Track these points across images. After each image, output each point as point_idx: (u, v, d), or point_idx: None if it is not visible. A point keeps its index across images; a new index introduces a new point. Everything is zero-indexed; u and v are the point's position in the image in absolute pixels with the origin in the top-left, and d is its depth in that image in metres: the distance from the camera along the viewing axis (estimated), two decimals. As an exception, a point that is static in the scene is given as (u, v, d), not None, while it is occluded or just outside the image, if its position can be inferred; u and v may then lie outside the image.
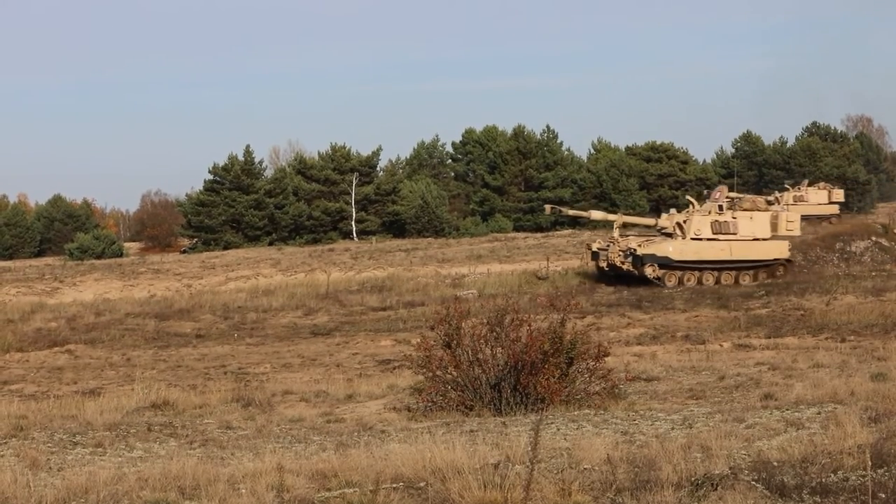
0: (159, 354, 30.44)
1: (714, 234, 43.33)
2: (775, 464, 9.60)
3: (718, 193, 46.63)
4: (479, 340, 15.39)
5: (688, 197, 50.31)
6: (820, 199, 70.70)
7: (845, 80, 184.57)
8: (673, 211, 46.55)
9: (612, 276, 43.79)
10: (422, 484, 9.26)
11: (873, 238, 50.02)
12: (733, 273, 43.01)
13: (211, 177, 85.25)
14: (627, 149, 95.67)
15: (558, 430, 12.48)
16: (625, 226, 47.88)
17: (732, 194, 47.02)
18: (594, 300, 37.72)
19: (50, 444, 12.63)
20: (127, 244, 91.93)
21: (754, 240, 43.59)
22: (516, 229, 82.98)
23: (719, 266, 42.98)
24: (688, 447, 10.50)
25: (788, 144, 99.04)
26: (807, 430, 11.54)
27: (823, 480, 8.90)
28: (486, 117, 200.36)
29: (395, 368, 23.72)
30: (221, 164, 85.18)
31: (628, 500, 8.63)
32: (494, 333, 15.33)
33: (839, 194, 72.62)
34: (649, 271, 42.30)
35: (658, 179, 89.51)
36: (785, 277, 42.92)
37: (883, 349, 21.25)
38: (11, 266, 66.93)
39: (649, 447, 10.71)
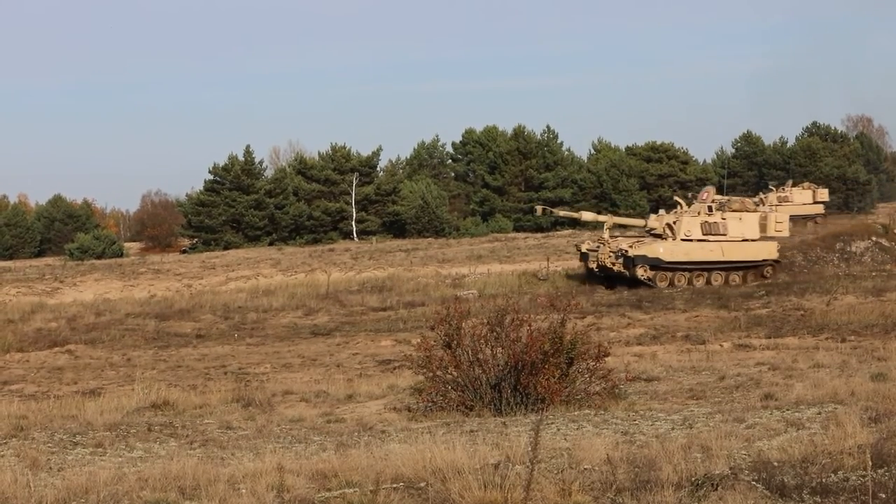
0: (159, 354, 30.44)
1: (704, 234, 43.33)
2: (775, 464, 9.60)
3: (706, 194, 46.57)
4: (479, 340, 15.39)
5: (675, 198, 50.34)
6: (804, 199, 70.64)
7: (845, 81, 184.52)
8: (662, 212, 46.51)
9: (601, 277, 43.70)
10: (422, 484, 9.26)
11: (873, 238, 50.00)
12: (723, 274, 43.06)
13: (211, 177, 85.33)
14: (628, 149, 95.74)
15: (558, 430, 12.48)
16: (614, 226, 47.86)
17: (718, 197, 46.93)
18: (594, 300, 37.71)
19: (50, 445, 12.63)
20: (127, 244, 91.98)
21: (743, 241, 43.64)
22: (516, 229, 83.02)
23: (709, 267, 43.02)
24: (688, 447, 10.50)
25: (789, 145, 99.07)
26: (807, 430, 11.53)
27: (824, 480, 8.90)
28: (486, 117, 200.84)
29: (395, 368, 23.71)
30: (222, 164, 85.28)
31: (628, 501, 8.63)
32: (495, 333, 15.33)
33: (823, 194, 72.57)
34: (640, 272, 42.24)
35: (658, 180, 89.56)
36: (774, 278, 43.02)
37: (883, 349, 21.24)
38: (12, 266, 66.96)
39: (649, 447, 10.71)
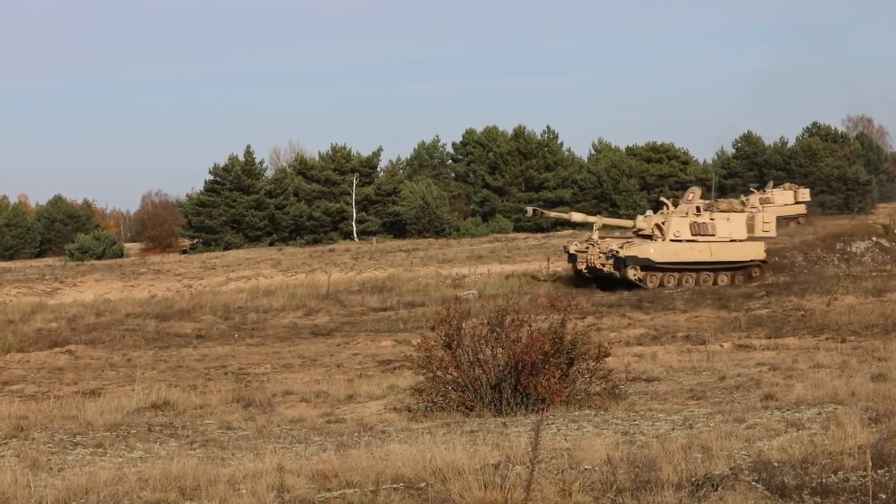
0: (160, 355, 30.43)
1: (693, 235, 43.31)
2: (776, 464, 9.60)
3: (692, 195, 46.53)
4: (479, 341, 15.40)
5: (662, 198, 50.26)
6: (786, 199, 70.52)
7: (846, 81, 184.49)
8: (649, 212, 46.46)
9: (590, 278, 43.50)
10: (422, 484, 9.27)
11: (874, 238, 50.02)
12: (712, 275, 43.06)
13: (211, 177, 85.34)
14: (628, 149, 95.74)
15: (559, 430, 12.49)
16: (603, 227, 47.71)
17: (700, 202, 46.92)
18: (594, 300, 37.71)
19: (50, 445, 12.63)
20: (127, 245, 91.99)
21: (731, 241, 43.65)
22: (517, 230, 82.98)
23: (698, 267, 43.01)
24: (688, 448, 10.50)
25: (789, 145, 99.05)
26: (807, 430, 11.54)
27: (824, 481, 8.90)
28: (486, 118, 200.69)
29: (395, 369, 23.71)
30: (222, 164, 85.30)
31: (629, 501, 8.63)
32: (495, 334, 15.34)
33: (805, 194, 72.48)
34: (631, 273, 42.17)
35: (659, 180, 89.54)
36: (761, 279, 43.06)
37: (883, 350, 21.24)
38: (12, 266, 66.96)
39: (650, 448, 10.71)
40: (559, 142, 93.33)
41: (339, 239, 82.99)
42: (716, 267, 43.15)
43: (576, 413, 14.14)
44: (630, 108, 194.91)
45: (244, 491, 9.21)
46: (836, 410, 12.53)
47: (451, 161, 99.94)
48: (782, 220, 60.11)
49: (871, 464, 8.80)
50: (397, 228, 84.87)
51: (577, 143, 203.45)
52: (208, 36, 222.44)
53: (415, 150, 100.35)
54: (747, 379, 17.64)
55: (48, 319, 38.30)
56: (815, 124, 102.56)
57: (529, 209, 50.51)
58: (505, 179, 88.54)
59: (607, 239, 45.02)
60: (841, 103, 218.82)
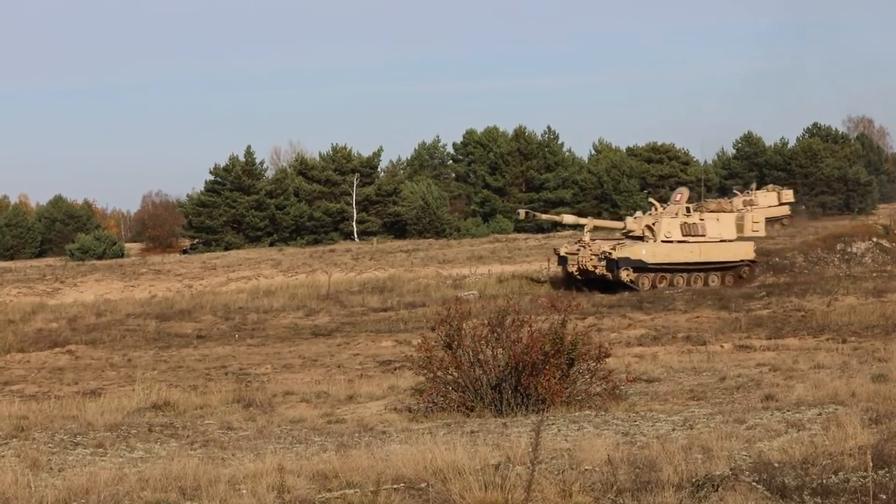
0: (160, 355, 30.45)
1: (684, 236, 43.26)
2: (776, 465, 9.60)
3: (679, 196, 46.48)
4: (479, 341, 15.40)
5: (650, 199, 50.18)
6: (770, 201, 70.36)
7: (846, 81, 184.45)
8: (638, 213, 46.37)
9: (581, 280, 43.26)
10: (423, 485, 9.27)
11: (874, 239, 50.03)
12: (703, 275, 43.05)
13: (212, 177, 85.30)
14: (628, 149, 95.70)
15: (559, 430, 12.49)
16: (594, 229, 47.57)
17: (688, 204, 46.90)
18: (595, 301, 37.74)
19: (51, 445, 12.64)
20: (128, 245, 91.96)
21: (721, 241, 43.63)
22: (517, 230, 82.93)
23: (689, 268, 42.98)
24: (689, 448, 10.51)
25: (789, 145, 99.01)
26: (808, 431, 11.54)
27: (824, 481, 8.90)
28: (486, 118, 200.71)
29: (396, 369, 23.73)
30: (222, 164, 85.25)
31: (629, 501, 8.63)
32: (495, 334, 15.34)
33: (788, 195, 72.39)
34: (624, 275, 42.08)
35: (659, 180, 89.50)
36: (750, 279, 43.08)
37: (884, 350, 21.27)
38: (12, 266, 66.95)
39: (650, 448, 10.71)
40: (560, 142, 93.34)
41: (340, 239, 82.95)
42: (706, 267, 43.15)
43: (576, 413, 14.14)
44: (630, 109, 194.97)
45: (244, 491, 9.21)
46: (836, 411, 12.52)
47: (451, 161, 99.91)
48: (766, 222, 60.15)
49: (871, 464, 8.80)
50: (398, 229, 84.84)
51: (578, 144, 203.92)
52: (209, 36, 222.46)
53: (415, 150, 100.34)
54: (748, 379, 17.65)
55: (48, 319, 38.33)
56: (815, 125, 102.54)
57: (521, 212, 50.52)
58: (505, 180, 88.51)
59: (598, 241, 44.89)
60: (842, 104, 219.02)
